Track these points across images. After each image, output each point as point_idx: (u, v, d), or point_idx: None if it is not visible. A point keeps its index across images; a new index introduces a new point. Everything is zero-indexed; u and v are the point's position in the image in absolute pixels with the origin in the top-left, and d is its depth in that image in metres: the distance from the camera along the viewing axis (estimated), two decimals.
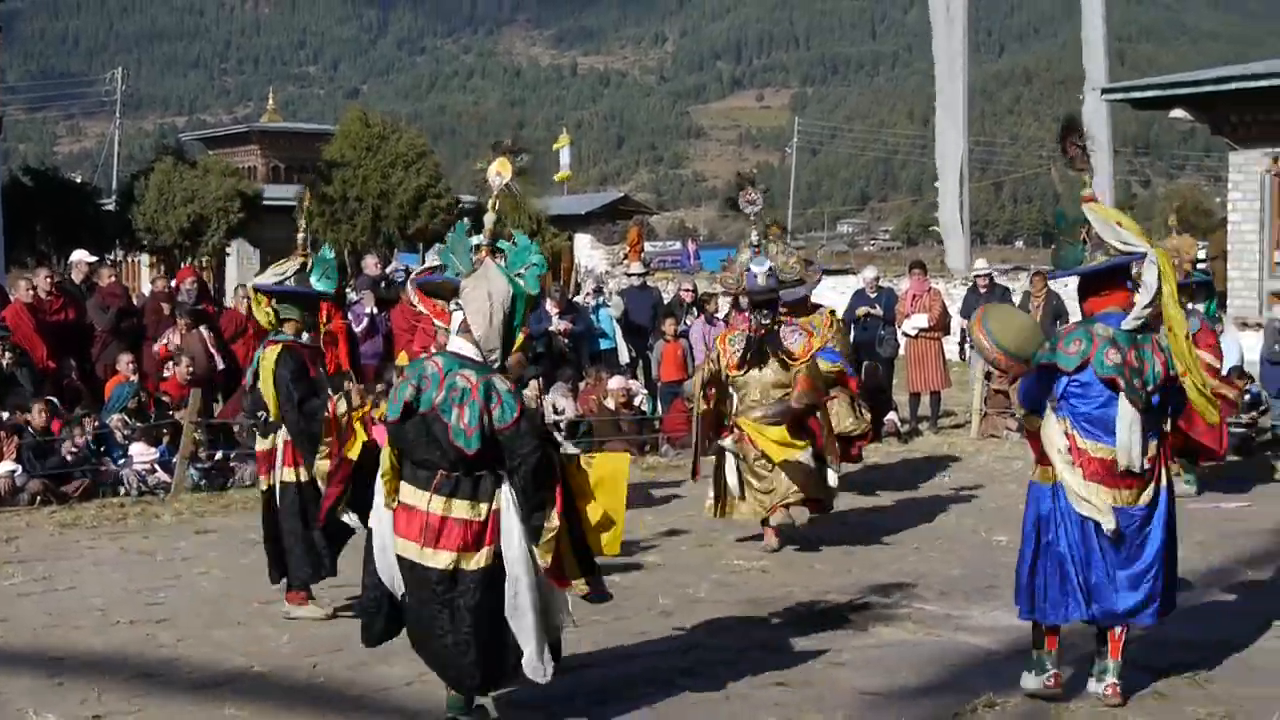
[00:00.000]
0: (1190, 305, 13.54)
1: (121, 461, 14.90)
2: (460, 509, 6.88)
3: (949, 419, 20.21)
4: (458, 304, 7.05)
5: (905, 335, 19.53)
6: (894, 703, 7.52)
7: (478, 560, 6.87)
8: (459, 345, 7.00)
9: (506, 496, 6.88)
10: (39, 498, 13.91)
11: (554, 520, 6.81)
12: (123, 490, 14.56)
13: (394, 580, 7.05)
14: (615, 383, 18.11)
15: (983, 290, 19.68)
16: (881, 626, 9.18)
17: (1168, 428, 7.66)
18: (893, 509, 13.73)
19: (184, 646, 8.73)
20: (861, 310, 19.75)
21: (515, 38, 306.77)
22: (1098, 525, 7.33)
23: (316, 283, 9.83)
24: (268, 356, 9.44)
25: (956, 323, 21.27)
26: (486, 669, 6.97)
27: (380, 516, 7.10)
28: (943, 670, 8.12)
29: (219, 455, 15.42)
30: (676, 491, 14.50)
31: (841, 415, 12.63)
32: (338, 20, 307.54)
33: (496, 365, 6.99)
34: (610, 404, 17.90)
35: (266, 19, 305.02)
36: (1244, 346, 18.94)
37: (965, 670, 8.12)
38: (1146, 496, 7.43)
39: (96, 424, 15.08)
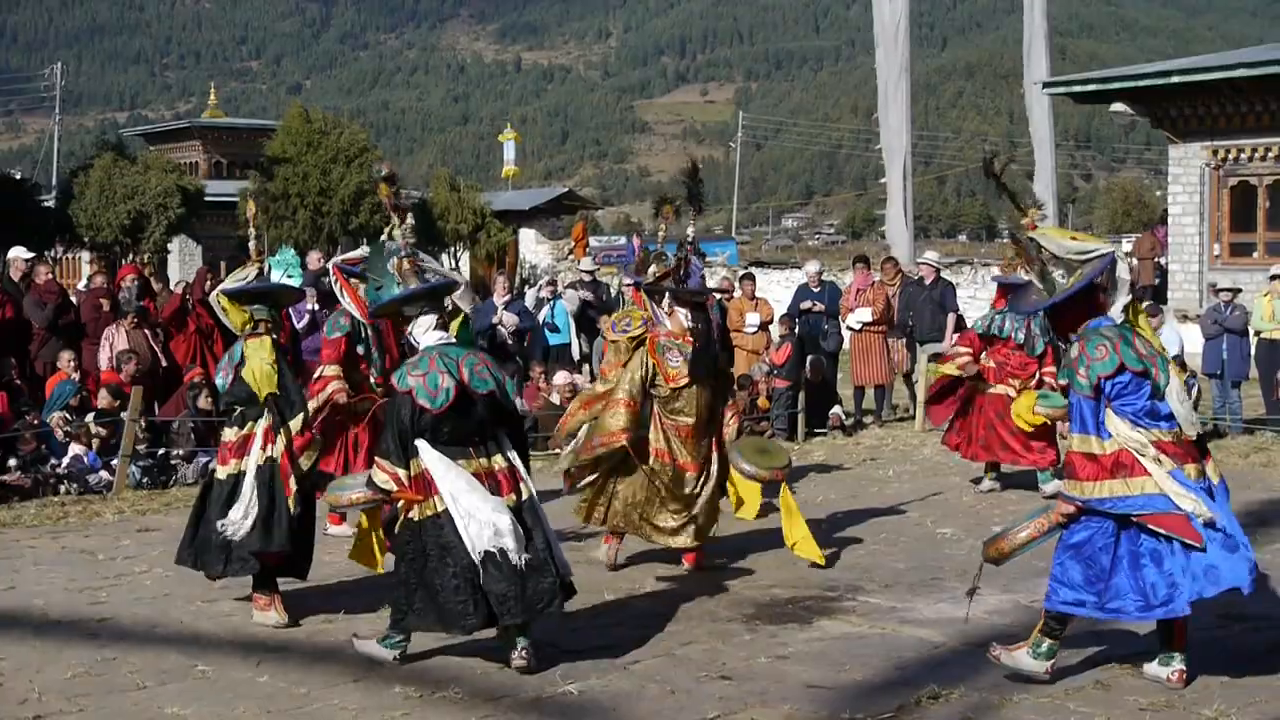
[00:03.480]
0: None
1: (66, 462, 14.77)
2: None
3: (893, 412, 20.28)
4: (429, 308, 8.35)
5: (849, 329, 19.58)
6: (838, 695, 7.53)
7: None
8: (442, 337, 8.28)
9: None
10: None
11: None
12: (63, 489, 14.43)
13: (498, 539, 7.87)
14: (560, 378, 18.10)
15: (928, 282, 19.75)
16: (826, 620, 9.20)
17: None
18: (837, 502, 13.76)
19: (126, 646, 8.66)
20: (805, 304, 19.84)
21: (458, 33, 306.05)
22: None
23: (284, 280, 9.92)
24: (260, 347, 9.46)
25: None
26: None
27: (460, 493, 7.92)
28: (887, 663, 8.14)
29: (160, 453, 15.31)
30: None
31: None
32: (280, 15, 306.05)
33: None
34: (555, 399, 17.88)
35: (208, 13, 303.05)
36: (1184, 339, 19.16)
37: (910, 662, 8.14)
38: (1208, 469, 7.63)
39: (37, 422, 14.97)
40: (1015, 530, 7.89)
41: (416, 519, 7.99)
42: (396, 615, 8.11)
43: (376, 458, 8.20)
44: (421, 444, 7.99)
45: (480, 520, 7.84)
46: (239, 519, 9.15)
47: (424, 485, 7.99)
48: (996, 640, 7.98)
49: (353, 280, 11.72)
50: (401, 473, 7.97)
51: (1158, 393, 7.51)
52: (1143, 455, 7.42)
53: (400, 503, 8.12)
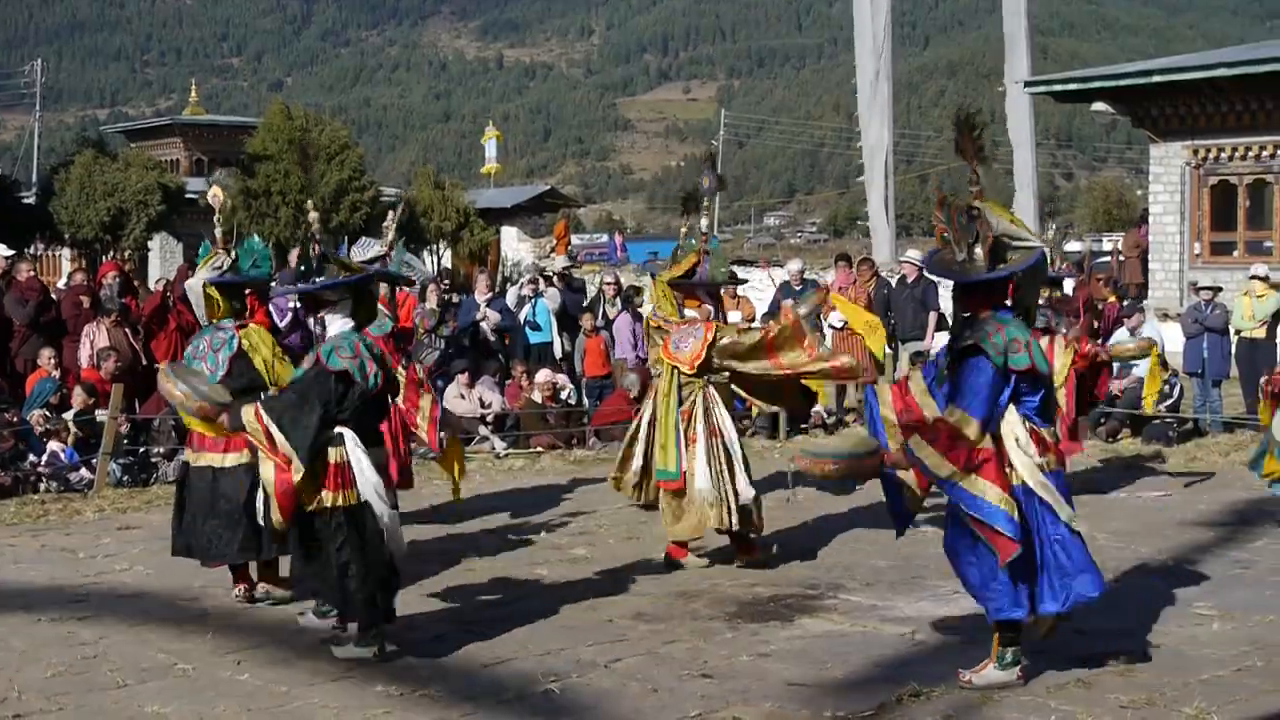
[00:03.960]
0: None
1: (45, 459, 14.72)
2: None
3: None
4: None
5: (831, 327, 19.58)
6: (820, 694, 7.53)
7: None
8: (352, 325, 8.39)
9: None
10: None
11: None
12: (43, 487, 14.38)
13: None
14: (541, 375, 18.10)
15: (910, 280, 19.76)
16: (807, 618, 9.21)
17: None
18: (818, 500, 13.73)
19: (106, 644, 8.64)
20: (787, 303, 19.82)
21: (440, 30, 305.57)
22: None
23: (251, 271, 9.98)
24: (262, 339, 9.69)
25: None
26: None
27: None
28: (869, 661, 8.15)
29: (141, 450, 15.27)
30: (603, 485, 14.43)
31: None
32: (261, 12, 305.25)
33: None
34: (536, 397, 17.87)
35: (189, 10, 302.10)
36: (1165, 338, 19.18)
37: (891, 661, 8.15)
38: None
39: (17, 420, 14.91)
40: (827, 458, 7.95)
41: (329, 506, 8.08)
42: (354, 610, 8.27)
43: (260, 407, 8.07)
44: (350, 436, 8.06)
45: (386, 519, 8.12)
46: None
47: (342, 475, 8.08)
48: (976, 629, 7.99)
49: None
50: (277, 435, 7.92)
51: (1050, 393, 7.66)
52: (1021, 453, 7.44)
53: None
